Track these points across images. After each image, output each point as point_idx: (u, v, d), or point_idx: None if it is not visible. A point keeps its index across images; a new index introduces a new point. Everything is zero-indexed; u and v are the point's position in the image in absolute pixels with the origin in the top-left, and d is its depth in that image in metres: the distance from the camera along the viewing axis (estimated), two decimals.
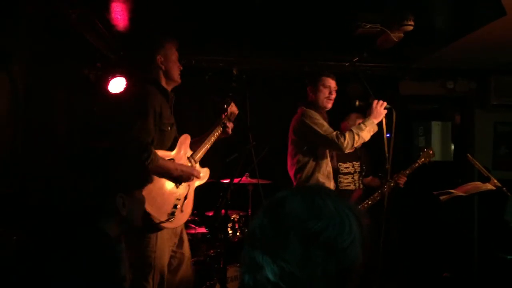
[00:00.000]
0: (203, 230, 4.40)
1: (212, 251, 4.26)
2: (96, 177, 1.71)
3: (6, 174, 3.19)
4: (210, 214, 4.55)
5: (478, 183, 3.86)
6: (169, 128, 3.02)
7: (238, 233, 4.37)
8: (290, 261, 1.02)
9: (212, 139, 3.36)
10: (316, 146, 3.62)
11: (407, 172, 4.21)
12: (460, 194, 3.75)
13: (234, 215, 4.39)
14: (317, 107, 3.69)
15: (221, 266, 3.97)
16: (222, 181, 4.34)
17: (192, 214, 4.46)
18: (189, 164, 3.16)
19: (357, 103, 3.66)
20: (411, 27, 3.86)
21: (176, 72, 3.16)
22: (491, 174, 3.88)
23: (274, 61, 5.35)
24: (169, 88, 3.17)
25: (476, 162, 3.90)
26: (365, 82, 4.10)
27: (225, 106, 3.47)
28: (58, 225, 1.71)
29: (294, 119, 3.74)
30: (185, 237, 3.24)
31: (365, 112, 3.64)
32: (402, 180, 4.19)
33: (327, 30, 4.36)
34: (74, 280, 1.51)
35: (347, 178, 4.37)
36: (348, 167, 4.38)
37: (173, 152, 3.04)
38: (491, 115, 5.82)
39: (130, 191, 1.77)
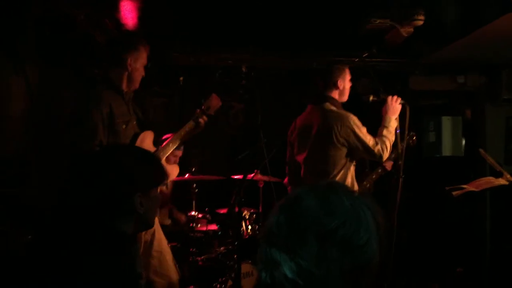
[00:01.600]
0: (214, 227, 4.42)
1: (223, 248, 4.27)
2: (114, 177, 1.72)
3: (21, 174, 3.22)
4: (221, 211, 4.57)
5: (491, 178, 3.83)
6: (124, 126, 2.99)
7: (249, 230, 4.37)
8: (306, 258, 1.03)
9: (182, 133, 3.27)
10: (354, 153, 3.48)
11: (393, 155, 4.21)
12: (473, 189, 3.72)
13: (245, 212, 4.40)
14: (340, 106, 3.55)
15: (234, 262, 3.98)
16: (232, 177, 4.36)
17: (204, 211, 4.50)
18: None
19: (370, 98, 3.58)
20: (421, 22, 3.84)
21: (138, 78, 3.12)
22: (503, 169, 3.86)
23: (283, 58, 5.34)
24: (128, 90, 3.13)
25: (489, 157, 3.87)
26: (376, 78, 4.08)
27: (202, 100, 3.42)
28: (75, 224, 1.72)
29: (325, 122, 3.46)
30: (158, 236, 3.16)
31: (377, 108, 3.62)
32: (389, 164, 4.20)
33: (337, 26, 4.34)
34: (92, 279, 1.52)
35: None
36: None
37: None
38: (502, 109, 5.76)
39: (147, 190, 1.78)
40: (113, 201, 1.69)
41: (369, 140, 3.41)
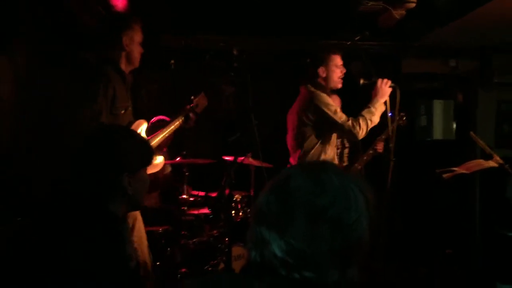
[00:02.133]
0: (205, 210, 4.42)
1: (215, 232, 4.28)
2: (101, 157, 1.71)
3: (9, 160, 3.19)
4: (213, 195, 4.57)
5: (481, 161, 3.86)
6: (123, 111, 2.99)
7: (240, 213, 4.38)
8: (296, 236, 1.02)
9: (172, 127, 3.30)
10: (325, 130, 3.54)
11: (383, 137, 4.23)
12: (463, 171, 3.75)
13: (237, 195, 4.40)
14: (326, 89, 3.59)
15: (225, 246, 3.99)
16: (224, 157, 4.35)
17: (194, 195, 4.50)
18: None
19: (361, 81, 3.60)
20: (414, 4, 3.83)
21: (137, 56, 3.11)
22: (494, 152, 3.88)
23: (275, 41, 5.30)
24: (127, 71, 3.12)
25: (479, 140, 3.89)
26: (368, 61, 4.07)
27: (192, 97, 3.44)
28: (66, 207, 1.71)
29: (301, 100, 3.63)
30: (139, 222, 3.13)
31: (368, 91, 3.61)
32: (380, 146, 4.23)
33: (329, 8, 4.31)
34: (83, 261, 1.52)
35: None
36: None
37: None
38: (493, 93, 5.79)
39: (135, 171, 1.77)
40: (102, 180, 1.69)
41: (339, 116, 3.44)
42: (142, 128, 3.13)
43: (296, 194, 1.05)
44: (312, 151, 3.53)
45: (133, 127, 3.05)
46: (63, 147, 2.87)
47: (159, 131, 3.23)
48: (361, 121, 3.43)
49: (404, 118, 4.35)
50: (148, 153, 1.87)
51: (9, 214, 2.71)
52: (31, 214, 2.76)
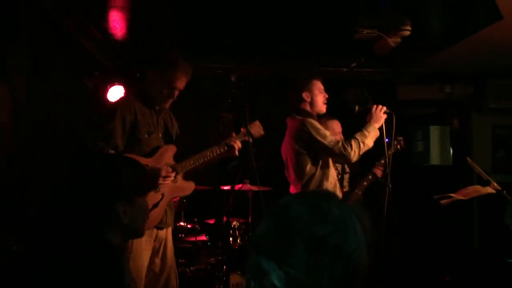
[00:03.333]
0: (203, 237, 4.40)
1: (212, 259, 4.25)
2: (96, 185, 1.71)
3: (7, 183, 3.18)
4: (210, 221, 4.55)
5: (478, 187, 3.87)
6: (147, 135, 3.05)
7: (238, 240, 4.35)
8: (296, 266, 1.02)
9: (208, 154, 3.24)
10: (319, 156, 3.52)
11: (382, 161, 4.24)
12: (461, 198, 3.75)
13: (235, 222, 4.38)
14: (312, 114, 3.59)
15: (223, 273, 3.95)
16: (222, 187, 4.34)
17: (193, 221, 4.48)
18: (173, 173, 3.10)
19: (356, 108, 3.63)
20: (408, 32, 3.88)
21: (161, 98, 3.16)
22: (490, 177, 3.89)
23: (272, 67, 5.36)
24: (157, 104, 3.19)
25: (476, 166, 3.90)
26: (364, 88, 4.11)
27: (245, 124, 3.36)
28: (60, 233, 1.70)
29: (290, 132, 3.60)
30: (169, 247, 3.20)
31: (365, 118, 3.63)
32: (379, 171, 4.23)
33: (325, 35, 4.37)
34: None
35: None
36: None
37: (150, 158, 3.04)
38: (489, 118, 5.83)
39: (132, 199, 1.76)
40: (96, 208, 1.68)
41: (329, 141, 3.42)
42: (170, 152, 3.17)
43: (295, 223, 1.05)
44: (314, 179, 3.49)
45: (160, 150, 3.11)
46: (61, 173, 2.88)
47: (191, 157, 3.23)
48: (353, 142, 3.41)
49: (402, 142, 4.36)
50: (146, 181, 1.86)
51: (6, 240, 2.70)
52: (27, 240, 2.75)
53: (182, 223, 4.33)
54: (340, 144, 3.40)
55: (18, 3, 3.26)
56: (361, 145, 3.43)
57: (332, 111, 3.80)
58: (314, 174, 3.50)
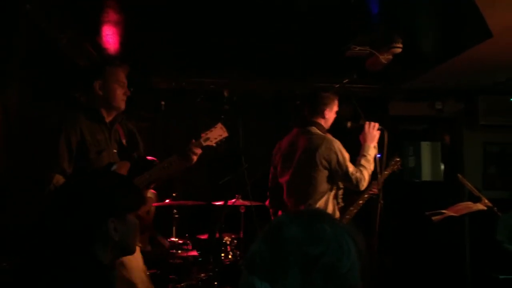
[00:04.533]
0: (194, 253, 4.36)
1: (203, 275, 4.21)
2: (86, 202, 1.69)
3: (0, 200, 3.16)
4: (202, 237, 4.53)
5: (470, 203, 3.88)
6: (97, 154, 2.91)
7: (230, 256, 4.33)
8: (289, 286, 1.01)
9: (166, 166, 3.04)
10: (336, 178, 3.48)
11: (384, 174, 4.24)
12: (452, 214, 3.76)
13: (226, 238, 4.36)
14: (324, 131, 3.58)
15: None
16: (213, 203, 4.33)
17: (184, 237, 4.45)
18: None
19: (348, 124, 3.64)
20: (400, 50, 3.92)
21: (116, 99, 3.00)
22: (481, 194, 3.91)
23: (265, 83, 5.38)
24: (110, 115, 3.04)
25: (467, 182, 3.92)
26: (356, 104, 4.13)
27: (202, 130, 3.19)
28: (50, 251, 1.68)
29: (313, 146, 3.46)
30: (129, 265, 3.00)
31: (357, 134, 3.65)
32: (375, 191, 4.22)
33: (317, 52, 4.41)
34: None
35: None
36: None
37: None
38: (479, 135, 5.88)
39: (122, 215, 1.74)
40: (86, 226, 1.66)
41: (349, 166, 3.43)
42: (124, 170, 3.04)
43: (289, 243, 1.04)
44: (323, 198, 3.47)
45: (113, 168, 2.96)
46: (51, 191, 2.85)
47: (145, 172, 3.13)
48: (364, 172, 3.42)
49: (399, 164, 4.37)
50: (137, 197, 1.85)
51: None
52: (16, 258, 2.72)
53: (173, 239, 4.30)
54: (358, 174, 3.41)
55: (12, 20, 3.25)
56: (369, 171, 3.46)
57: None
58: (324, 193, 3.48)
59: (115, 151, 3.03)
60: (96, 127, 2.97)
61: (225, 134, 3.17)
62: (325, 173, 3.45)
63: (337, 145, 3.45)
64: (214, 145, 3.13)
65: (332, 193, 3.55)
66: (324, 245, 1.03)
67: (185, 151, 3.03)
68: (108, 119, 3.03)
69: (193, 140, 3.08)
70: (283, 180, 3.64)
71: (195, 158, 3.06)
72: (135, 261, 2.96)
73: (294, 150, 3.58)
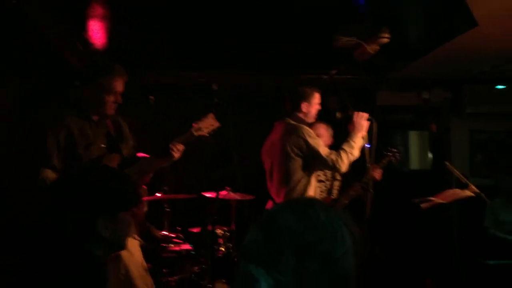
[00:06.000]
0: (187, 246, 4.38)
1: (196, 268, 4.23)
2: (78, 200, 1.70)
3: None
4: (194, 230, 4.54)
5: (457, 190, 3.95)
6: (85, 149, 2.89)
7: (222, 248, 4.35)
8: (285, 272, 1.04)
9: (141, 168, 2.97)
10: (310, 163, 3.58)
11: (381, 164, 4.30)
12: (440, 201, 3.82)
13: (218, 230, 4.38)
14: (305, 123, 3.66)
15: (208, 282, 3.95)
16: (203, 194, 4.33)
17: (176, 230, 4.46)
18: None
19: (338, 115, 3.70)
20: (387, 40, 3.95)
21: (105, 106, 2.99)
22: (469, 181, 3.97)
23: (253, 75, 5.39)
24: (96, 115, 3.04)
25: (455, 170, 3.98)
26: (344, 94, 4.16)
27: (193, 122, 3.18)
28: (46, 247, 1.69)
29: (285, 135, 3.59)
30: (126, 259, 2.99)
31: (346, 124, 3.68)
32: (378, 173, 4.27)
33: (305, 44, 4.43)
34: None
35: (320, 187, 4.31)
36: (319, 175, 4.30)
37: None
38: (466, 123, 5.95)
39: (114, 213, 1.75)
40: (78, 222, 1.67)
41: (322, 150, 3.52)
42: (114, 163, 3.05)
43: (284, 230, 1.07)
44: (299, 185, 3.55)
45: (104, 161, 2.92)
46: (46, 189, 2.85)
47: (132, 167, 3.12)
48: (342, 154, 3.49)
49: (398, 155, 4.42)
50: (129, 195, 1.86)
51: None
52: (17, 256, 2.72)
53: (165, 232, 4.31)
54: (333, 156, 3.48)
55: (11, 24, 3.24)
56: (350, 156, 3.52)
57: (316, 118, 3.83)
58: (300, 180, 3.56)
59: (103, 145, 3.04)
60: (85, 123, 2.99)
61: (217, 124, 3.20)
62: (298, 161, 3.55)
63: (306, 131, 3.55)
64: (207, 134, 3.16)
65: (312, 180, 3.62)
66: (319, 232, 1.06)
67: (165, 151, 3.02)
68: (95, 117, 3.05)
69: (176, 138, 3.07)
70: (267, 173, 3.75)
71: (176, 155, 3.05)
72: (133, 257, 2.98)
73: (272, 143, 3.72)
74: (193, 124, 3.11)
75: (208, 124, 3.17)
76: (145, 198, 4.13)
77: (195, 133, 3.12)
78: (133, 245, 3.07)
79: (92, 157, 2.93)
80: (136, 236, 3.11)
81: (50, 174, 2.77)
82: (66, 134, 2.87)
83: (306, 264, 1.04)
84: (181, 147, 3.08)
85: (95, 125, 3.03)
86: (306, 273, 1.04)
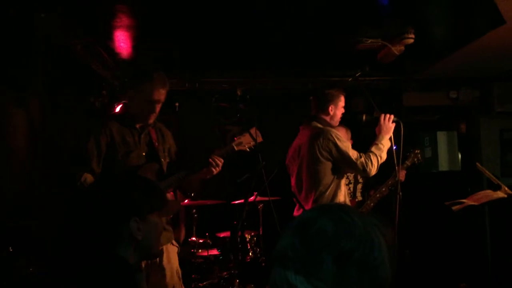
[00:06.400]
0: (215, 252, 4.39)
1: (225, 273, 4.24)
2: (108, 202, 1.71)
3: (24, 206, 3.21)
4: (221, 235, 4.55)
5: (489, 192, 3.86)
6: (125, 155, 2.97)
7: (250, 253, 4.35)
8: (324, 279, 1.03)
9: (179, 178, 3.07)
10: (339, 167, 3.53)
11: (405, 166, 4.23)
12: (472, 203, 3.74)
13: (246, 235, 4.39)
14: (331, 126, 3.63)
15: (236, 287, 3.94)
16: (232, 202, 4.34)
17: (204, 236, 4.48)
18: None
19: (364, 117, 3.65)
20: (412, 40, 3.90)
21: (143, 114, 3.04)
22: (501, 181, 3.88)
23: (278, 79, 5.39)
24: (139, 123, 3.09)
25: (486, 170, 3.90)
26: (369, 96, 4.12)
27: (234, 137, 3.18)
28: (76, 254, 1.71)
29: (313, 139, 3.52)
30: (168, 264, 3.08)
31: (372, 126, 3.64)
32: (402, 174, 4.21)
33: (329, 46, 4.40)
34: None
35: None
36: None
37: None
38: (496, 122, 5.82)
39: (145, 215, 1.75)
40: (109, 225, 1.68)
41: (352, 153, 3.47)
42: (151, 171, 3.10)
43: (321, 237, 1.05)
44: (329, 189, 3.51)
45: (141, 169, 3.02)
46: (74, 195, 2.90)
47: (173, 176, 3.10)
48: (372, 157, 3.45)
49: (420, 156, 4.35)
50: (159, 197, 1.86)
51: (24, 262, 2.71)
52: (42, 261, 2.77)
53: (193, 238, 4.33)
54: (362, 159, 3.45)
55: (32, 32, 3.31)
56: (379, 159, 3.49)
57: (340, 120, 3.80)
58: (330, 184, 3.52)
59: (144, 153, 3.08)
60: (127, 130, 3.05)
61: (260, 139, 3.19)
62: (328, 164, 3.50)
63: (335, 134, 3.50)
64: (247, 150, 3.18)
65: (341, 184, 3.58)
66: (356, 239, 1.05)
67: (205, 165, 3.04)
68: (138, 125, 3.09)
69: (217, 150, 3.10)
70: (292, 178, 3.72)
71: (216, 170, 3.07)
72: (170, 264, 3.00)
73: (298, 148, 3.68)
74: (235, 138, 3.12)
75: (249, 139, 3.19)
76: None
77: (236, 148, 3.13)
78: (172, 251, 3.10)
79: (130, 164, 2.99)
80: (174, 242, 3.13)
81: (89, 178, 2.84)
82: (107, 139, 2.95)
83: (347, 271, 1.03)
84: (221, 161, 3.09)
85: (137, 133, 3.08)
86: (346, 280, 1.03)
